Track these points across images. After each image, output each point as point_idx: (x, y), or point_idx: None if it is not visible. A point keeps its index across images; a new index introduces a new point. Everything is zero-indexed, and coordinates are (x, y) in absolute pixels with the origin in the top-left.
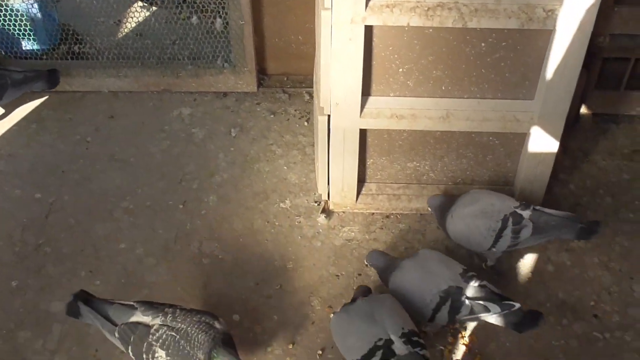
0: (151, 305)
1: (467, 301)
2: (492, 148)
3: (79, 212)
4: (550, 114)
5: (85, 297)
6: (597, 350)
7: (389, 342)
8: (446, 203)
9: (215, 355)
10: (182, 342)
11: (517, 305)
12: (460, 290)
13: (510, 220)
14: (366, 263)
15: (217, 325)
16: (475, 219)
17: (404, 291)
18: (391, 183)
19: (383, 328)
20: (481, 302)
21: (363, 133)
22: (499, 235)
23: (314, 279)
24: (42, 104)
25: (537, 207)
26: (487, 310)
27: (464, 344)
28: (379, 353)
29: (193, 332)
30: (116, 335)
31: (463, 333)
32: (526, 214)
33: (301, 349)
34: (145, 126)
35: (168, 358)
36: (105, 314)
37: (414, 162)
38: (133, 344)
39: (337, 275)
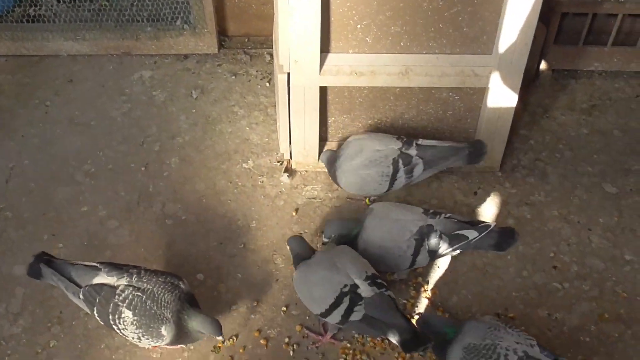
0: (115, 266)
1: (443, 236)
2: (451, 104)
3: (40, 176)
4: (509, 68)
5: (46, 259)
6: (557, 300)
7: (355, 287)
8: (332, 156)
9: (186, 317)
10: (149, 302)
11: (493, 224)
12: (432, 227)
13: (400, 162)
14: (325, 239)
15: (181, 285)
16: (366, 169)
17: (376, 249)
18: None
19: (346, 274)
20: (457, 232)
21: (323, 91)
22: (393, 179)
23: (277, 237)
24: None
25: (420, 142)
26: (465, 238)
27: (426, 297)
28: (346, 299)
29: (159, 292)
30: (81, 297)
31: (425, 287)
32: (413, 151)
33: (265, 306)
34: (106, 90)
35: (135, 318)
36: (68, 275)
37: (375, 120)
38: (99, 305)
39: (301, 233)
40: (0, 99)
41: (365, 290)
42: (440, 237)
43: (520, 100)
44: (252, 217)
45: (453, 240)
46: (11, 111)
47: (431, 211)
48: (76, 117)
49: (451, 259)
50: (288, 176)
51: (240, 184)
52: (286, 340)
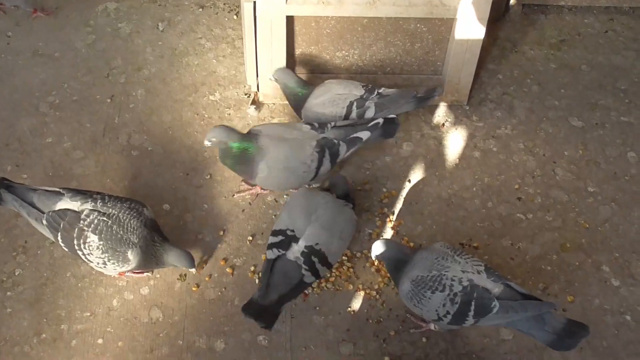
0: (78, 192)
1: (340, 143)
2: (419, 35)
3: (3, 107)
4: None
5: (6, 184)
6: (520, 230)
7: (294, 239)
8: (288, 75)
9: (161, 250)
10: (115, 227)
11: (381, 121)
12: (327, 138)
13: (354, 105)
14: (207, 143)
15: (145, 212)
16: (323, 108)
17: (281, 170)
18: (320, 73)
19: (303, 229)
20: (352, 135)
21: (290, 21)
22: (346, 120)
23: None
24: None
25: (382, 91)
26: (360, 140)
27: (391, 227)
28: (280, 237)
29: (125, 217)
30: (44, 222)
31: (391, 217)
32: (371, 98)
33: (232, 236)
34: (70, 21)
35: (101, 242)
36: (30, 201)
37: (343, 52)
38: (63, 230)
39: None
40: None
41: (294, 252)
42: (339, 144)
43: (490, 35)
44: None
45: (350, 144)
46: None
47: (317, 125)
48: (39, 48)
49: (417, 191)
50: (255, 108)
51: (207, 116)
52: (252, 268)
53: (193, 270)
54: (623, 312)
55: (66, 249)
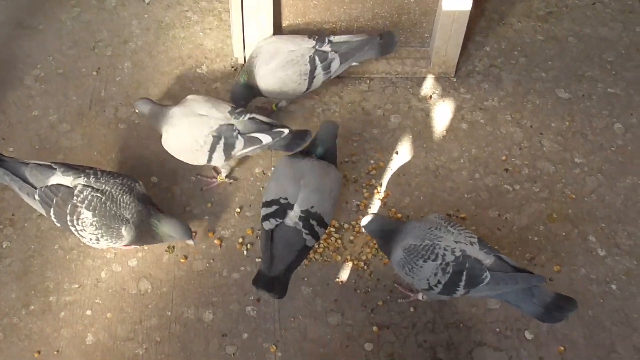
0: (70, 167)
1: (239, 136)
2: (407, 7)
3: None
4: None
5: None
6: (507, 201)
7: (289, 206)
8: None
9: (155, 221)
10: (108, 203)
11: (286, 131)
12: (232, 127)
13: (317, 59)
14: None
15: (137, 187)
16: (284, 71)
17: (176, 143)
18: None
19: (295, 195)
20: (253, 134)
21: None
22: (312, 77)
23: None
24: None
25: (332, 38)
26: (259, 141)
27: (379, 199)
28: (275, 207)
29: (117, 193)
30: (36, 197)
31: (378, 189)
32: (327, 48)
33: (219, 208)
34: None
35: (95, 219)
36: (22, 176)
37: (330, 24)
38: (56, 206)
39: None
40: None
41: (291, 216)
42: (237, 138)
43: (477, 6)
44: None
45: (247, 142)
46: None
47: (238, 110)
48: (23, 21)
49: (404, 163)
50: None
51: (194, 89)
52: (240, 240)
53: (191, 242)
54: (609, 282)
55: (59, 225)
